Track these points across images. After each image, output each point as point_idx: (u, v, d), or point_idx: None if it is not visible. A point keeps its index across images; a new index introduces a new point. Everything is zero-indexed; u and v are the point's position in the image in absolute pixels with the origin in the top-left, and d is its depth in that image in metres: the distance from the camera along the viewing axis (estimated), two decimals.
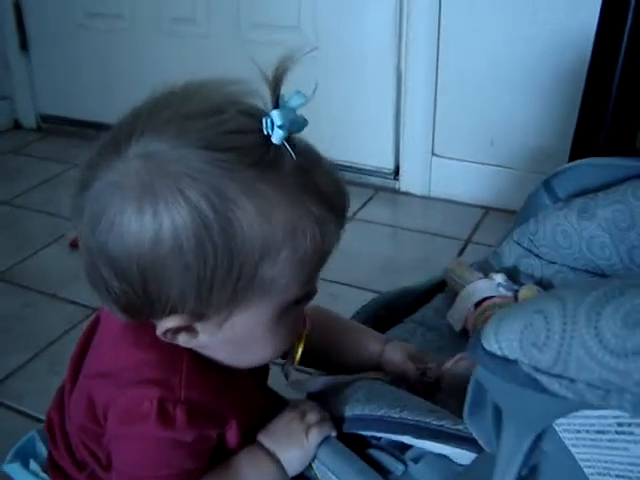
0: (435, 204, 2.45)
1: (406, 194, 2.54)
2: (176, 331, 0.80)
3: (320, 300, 1.88)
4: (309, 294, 0.85)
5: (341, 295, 1.87)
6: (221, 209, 0.71)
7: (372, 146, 2.56)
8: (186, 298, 0.75)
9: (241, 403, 0.89)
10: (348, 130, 2.56)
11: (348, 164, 2.61)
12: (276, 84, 0.75)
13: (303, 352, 0.97)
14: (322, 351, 1.06)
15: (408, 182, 2.53)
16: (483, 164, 2.34)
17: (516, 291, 1.23)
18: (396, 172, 2.56)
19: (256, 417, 0.93)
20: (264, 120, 0.73)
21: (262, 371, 1.00)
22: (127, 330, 0.85)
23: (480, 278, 1.28)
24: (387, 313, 1.31)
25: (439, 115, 2.39)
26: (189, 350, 0.84)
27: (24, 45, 3.08)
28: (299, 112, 0.78)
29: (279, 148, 0.74)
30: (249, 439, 0.92)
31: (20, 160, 2.87)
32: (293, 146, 0.75)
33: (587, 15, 1.91)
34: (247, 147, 0.73)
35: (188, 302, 0.75)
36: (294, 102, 0.76)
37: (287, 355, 0.97)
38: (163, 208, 0.71)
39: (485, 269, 1.34)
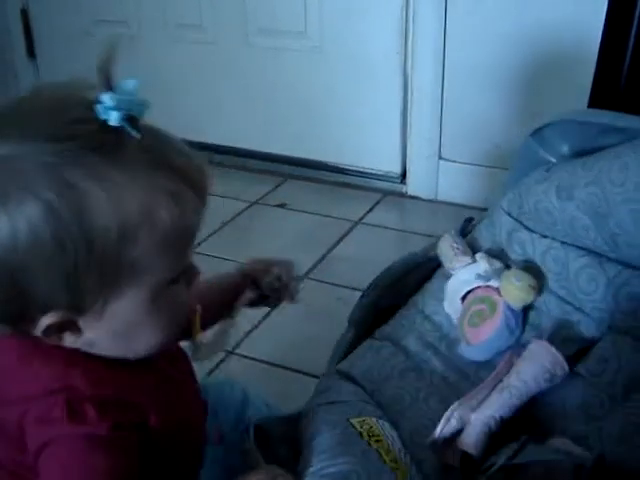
0: (442, 208, 2.45)
1: (413, 198, 2.54)
2: (60, 329, 0.79)
3: (328, 304, 1.91)
4: (186, 273, 0.85)
5: (349, 299, 1.87)
6: (70, 199, 0.71)
7: (379, 150, 2.56)
8: (56, 292, 0.75)
9: (157, 390, 0.88)
10: (355, 135, 2.57)
11: (355, 168, 2.61)
12: (104, 71, 0.75)
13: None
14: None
15: (415, 186, 2.53)
16: (490, 167, 2.34)
17: (497, 288, 1.23)
18: (403, 176, 2.56)
19: (183, 408, 0.93)
20: (96, 106, 0.73)
21: (179, 360, 0.99)
22: (21, 357, 0.85)
23: (464, 265, 1.26)
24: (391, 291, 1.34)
25: (446, 119, 2.39)
26: (83, 356, 0.83)
27: (31, 52, 3.09)
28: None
29: (120, 131, 0.73)
30: (185, 432, 0.92)
31: None
32: (137, 128, 0.75)
33: (594, 10, 1.92)
34: (87, 134, 0.73)
35: (59, 295, 0.75)
36: (127, 85, 0.76)
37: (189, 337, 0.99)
38: (14, 208, 0.71)
39: (475, 245, 1.33)
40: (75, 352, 0.83)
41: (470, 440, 1.00)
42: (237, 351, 1.77)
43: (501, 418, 1.02)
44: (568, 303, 1.14)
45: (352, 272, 1.98)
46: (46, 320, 0.77)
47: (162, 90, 2.55)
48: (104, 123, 0.73)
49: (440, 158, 2.45)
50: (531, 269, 1.21)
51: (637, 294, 1.05)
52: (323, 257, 2.17)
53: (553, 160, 1.26)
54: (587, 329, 1.12)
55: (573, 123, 1.23)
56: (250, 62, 2.62)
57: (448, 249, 1.31)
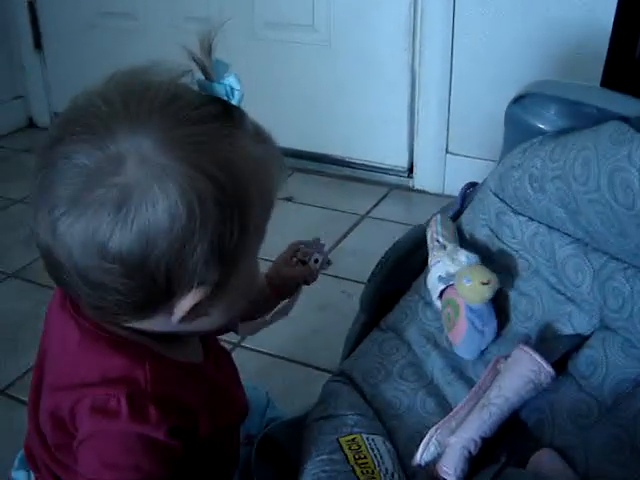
0: (449, 201, 2.45)
1: (420, 192, 2.54)
2: (191, 310, 0.80)
3: (334, 297, 1.91)
4: None
5: (355, 293, 1.87)
6: (228, 172, 0.75)
7: (386, 144, 2.56)
8: (211, 267, 0.76)
9: (208, 396, 0.89)
10: (362, 129, 2.57)
11: (362, 162, 2.62)
12: (209, 57, 0.79)
13: None
14: None
15: (422, 180, 2.53)
16: (497, 161, 2.33)
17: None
18: (410, 170, 2.56)
19: (226, 413, 0.94)
20: (223, 87, 0.78)
21: (224, 364, 1.01)
22: (84, 340, 0.84)
23: (436, 262, 1.25)
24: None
25: (453, 113, 2.39)
26: (147, 348, 0.84)
27: (38, 44, 3.10)
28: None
29: (238, 109, 0.80)
30: (226, 436, 0.94)
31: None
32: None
33: (602, 8, 1.92)
34: (219, 114, 0.77)
35: (212, 271, 0.76)
36: (224, 68, 0.80)
37: None
38: (180, 189, 0.72)
39: (466, 228, 1.31)
40: (141, 345, 0.84)
41: (449, 466, 0.98)
42: (243, 344, 1.77)
43: (481, 439, 0.99)
44: (559, 292, 1.11)
45: (359, 265, 1.96)
46: (188, 301, 0.78)
47: None
48: (226, 103, 0.78)
49: (447, 152, 2.45)
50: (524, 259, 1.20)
51: (621, 291, 1.01)
52: (330, 250, 2.16)
53: (542, 126, 1.22)
54: (579, 323, 1.08)
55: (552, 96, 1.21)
56: (257, 55, 2.62)
57: (429, 239, 1.29)
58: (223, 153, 0.75)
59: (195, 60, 0.78)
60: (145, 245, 0.72)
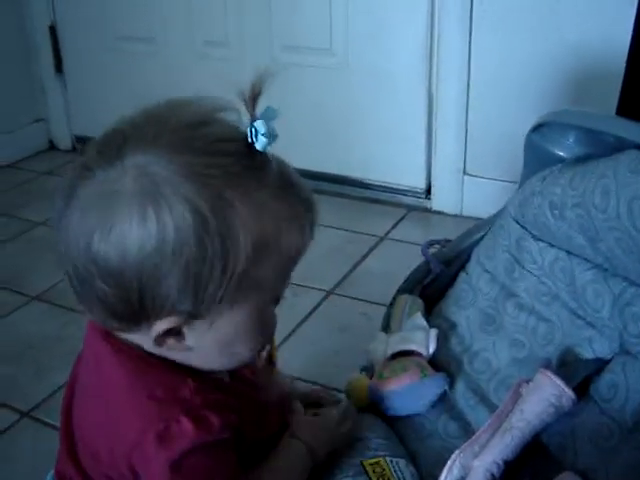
0: (467, 223, 2.43)
1: (438, 213, 2.55)
2: (165, 335, 0.81)
3: (352, 319, 1.92)
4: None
5: (373, 314, 1.88)
6: (219, 211, 0.75)
7: (404, 166, 2.57)
8: (183, 296, 0.77)
9: (242, 410, 0.89)
10: (380, 150, 2.58)
11: (380, 184, 2.63)
12: (254, 99, 0.80)
13: None
14: None
15: (440, 201, 2.54)
16: (515, 183, 2.33)
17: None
18: (428, 191, 2.57)
19: (265, 427, 0.97)
20: (249, 129, 0.78)
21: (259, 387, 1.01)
22: (120, 363, 0.86)
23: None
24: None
25: (470, 134, 2.40)
26: (188, 371, 0.85)
27: (59, 68, 3.13)
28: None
29: (263, 155, 0.79)
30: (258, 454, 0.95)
31: (55, 181, 2.90)
32: (274, 157, 0.82)
33: (617, 30, 1.93)
34: (236, 153, 0.78)
35: (185, 300, 0.77)
36: (270, 113, 0.81)
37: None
38: (166, 212, 0.74)
39: (486, 253, 1.32)
40: (169, 363, 0.85)
41: None
42: None
43: (504, 462, 1.00)
44: (579, 317, 1.12)
45: (378, 287, 1.98)
46: (162, 325, 0.79)
47: None
48: (251, 145, 0.78)
49: (465, 174, 2.46)
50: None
51: None
52: (349, 272, 2.18)
53: (561, 153, 1.23)
54: (600, 348, 1.09)
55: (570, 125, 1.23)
56: (275, 78, 2.63)
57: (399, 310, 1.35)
58: (220, 190, 0.75)
59: (243, 99, 0.80)
60: (120, 256, 0.75)
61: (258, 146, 0.78)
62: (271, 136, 0.80)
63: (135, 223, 0.74)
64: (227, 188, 0.75)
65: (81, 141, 3.16)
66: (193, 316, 0.79)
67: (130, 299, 0.77)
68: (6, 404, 1.69)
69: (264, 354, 0.98)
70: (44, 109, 3.21)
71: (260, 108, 0.80)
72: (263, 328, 0.87)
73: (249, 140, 0.78)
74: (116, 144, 0.77)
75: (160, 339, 0.81)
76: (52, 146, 3.25)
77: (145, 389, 0.84)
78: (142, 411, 0.83)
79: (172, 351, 0.84)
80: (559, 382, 1.02)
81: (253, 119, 0.79)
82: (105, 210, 0.75)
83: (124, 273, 0.76)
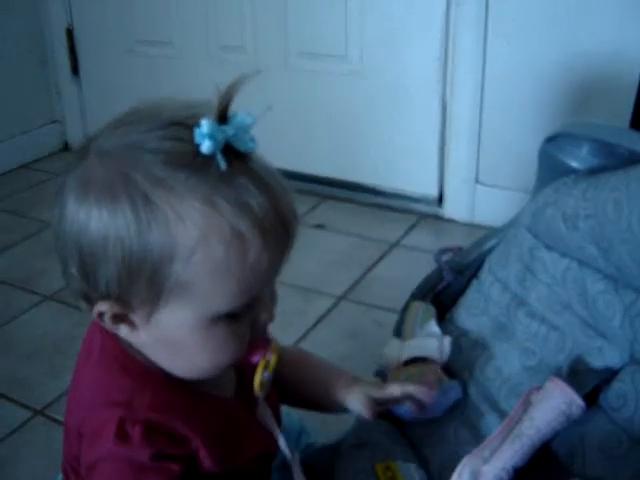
0: (478, 231, 2.44)
1: (450, 221, 2.55)
2: (115, 319, 0.83)
3: (364, 326, 1.93)
4: (251, 312, 0.85)
5: (385, 321, 1.89)
6: (139, 208, 0.76)
7: (416, 173, 2.58)
8: (110, 283, 0.79)
9: (220, 431, 0.90)
10: (393, 157, 2.59)
11: (392, 191, 2.64)
12: (222, 102, 0.78)
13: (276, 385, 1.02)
14: (290, 387, 1.11)
15: (452, 209, 2.55)
16: (527, 192, 2.34)
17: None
18: (440, 199, 2.58)
19: (245, 449, 0.94)
20: (195, 129, 0.75)
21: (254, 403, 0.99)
22: (100, 361, 0.89)
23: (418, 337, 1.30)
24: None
25: (483, 144, 2.41)
26: (158, 375, 0.87)
27: (75, 70, 3.16)
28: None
29: (210, 158, 0.76)
30: (240, 467, 0.94)
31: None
32: (243, 163, 0.79)
33: (632, 40, 1.94)
34: (177, 152, 0.77)
35: (112, 287, 0.79)
36: (240, 119, 0.78)
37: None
38: (93, 201, 0.78)
39: (499, 262, 1.33)
40: (150, 372, 0.87)
41: None
42: None
43: (514, 468, 1.00)
44: (590, 327, 1.12)
45: (389, 294, 1.99)
46: (100, 306, 0.82)
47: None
48: (197, 147, 0.76)
49: (477, 182, 2.47)
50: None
51: None
52: (360, 278, 2.19)
53: (574, 164, 1.24)
54: (610, 357, 1.09)
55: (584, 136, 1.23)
56: (290, 84, 2.66)
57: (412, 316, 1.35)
58: (147, 191, 0.76)
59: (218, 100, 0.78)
60: (75, 231, 0.79)
61: (203, 148, 0.75)
62: (239, 143, 0.78)
63: (73, 207, 0.79)
64: (152, 186, 0.76)
65: None
66: (126, 305, 0.81)
67: (79, 276, 0.81)
68: (19, 402, 1.71)
69: (259, 377, 0.93)
70: (60, 111, 3.23)
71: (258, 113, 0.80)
72: (220, 342, 0.84)
73: (196, 142, 0.75)
74: (92, 138, 0.82)
75: (106, 322, 0.83)
76: (67, 147, 3.27)
77: (105, 389, 0.87)
78: (94, 409, 0.86)
79: (134, 343, 0.86)
80: (569, 390, 1.03)
81: (218, 123, 0.77)
82: (66, 192, 0.81)
83: (71, 251, 0.80)
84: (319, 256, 2.31)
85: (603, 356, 1.10)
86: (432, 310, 1.36)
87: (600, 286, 1.11)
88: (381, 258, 2.31)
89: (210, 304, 0.81)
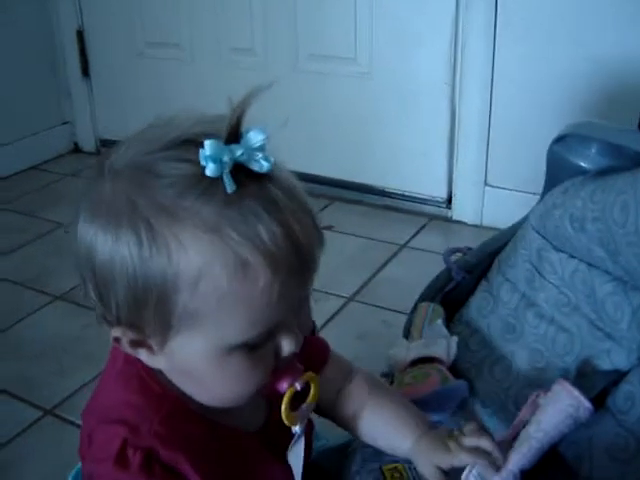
0: (487, 233, 2.44)
1: (458, 223, 2.55)
2: (134, 344, 0.80)
3: (372, 326, 1.93)
4: (275, 341, 0.81)
5: (393, 322, 1.90)
6: (144, 235, 0.73)
7: (425, 175, 2.58)
8: (121, 309, 0.77)
9: (224, 472, 0.87)
10: (402, 159, 2.59)
11: (402, 192, 2.64)
12: (232, 118, 0.73)
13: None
14: (350, 423, 1.06)
15: (461, 211, 2.55)
16: (535, 194, 2.34)
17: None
18: (449, 201, 2.58)
19: None
20: (200, 151, 0.71)
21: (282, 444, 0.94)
22: (121, 373, 0.87)
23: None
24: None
25: (492, 145, 2.41)
26: (176, 400, 0.84)
27: (85, 71, 3.17)
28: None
29: (217, 180, 0.71)
30: None
31: (79, 182, 2.94)
32: (258, 184, 0.74)
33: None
34: (183, 175, 0.73)
35: (123, 313, 0.77)
36: (250, 138, 0.74)
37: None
38: (100, 227, 0.75)
39: (507, 265, 1.32)
40: (168, 396, 0.84)
41: None
42: None
43: (521, 472, 1.00)
44: (599, 329, 1.12)
45: (398, 295, 1.99)
46: (115, 332, 0.80)
47: (213, 113, 2.59)
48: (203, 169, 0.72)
49: (486, 184, 2.47)
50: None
51: None
52: (369, 280, 2.19)
53: (583, 165, 1.24)
54: (618, 359, 1.09)
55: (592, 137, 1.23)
56: (300, 86, 2.66)
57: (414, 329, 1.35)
58: (149, 216, 0.73)
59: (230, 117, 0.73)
60: (85, 252, 0.77)
61: (208, 172, 0.71)
62: (253, 164, 0.73)
63: (82, 229, 0.78)
64: (153, 212, 0.73)
65: (106, 144, 3.19)
66: (139, 332, 0.79)
67: (96, 297, 0.79)
68: (29, 401, 1.72)
69: (286, 407, 0.86)
70: (70, 112, 3.25)
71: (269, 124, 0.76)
72: (238, 372, 0.81)
73: (201, 164, 0.71)
74: (102, 159, 0.80)
75: (129, 347, 0.81)
76: (77, 149, 3.29)
77: (119, 405, 0.85)
78: (103, 423, 0.84)
79: (155, 367, 0.83)
80: (576, 393, 1.03)
81: (225, 142, 0.73)
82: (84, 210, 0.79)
83: (85, 272, 0.79)
84: (328, 257, 2.28)
85: (611, 358, 1.10)
86: (440, 310, 1.37)
87: (609, 288, 1.11)
88: (390, 259, 2.32)
89: (223, 334, 0.77)
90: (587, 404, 1.02)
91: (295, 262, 0.75)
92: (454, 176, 2.54)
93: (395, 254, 2.35)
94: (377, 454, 1.10)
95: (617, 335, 1.09)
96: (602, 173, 1.17)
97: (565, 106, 2.22)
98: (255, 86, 0.75)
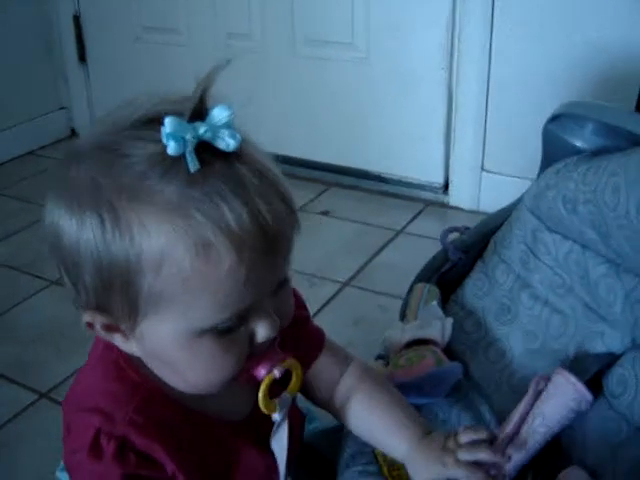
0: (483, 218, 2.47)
1: (455, 208, 2.55)
2: (108, 329, 0.79)
3: (369, 312, 1.94)
4: (248, 326, 0.80)
5: (389, 307, 1.90)
6: (106, 217, 0.72)
7: (422, 160, 2.58)
8: (89, 292, 0.76)
9: (201, 460, 0.87)
10: (398, 144, 2.59)
11: (398, 178, 2.64)
12: (196, 97, 0.72)
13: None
14: (345, 417, 1.05)
15: (458, 197, 2.55)
16: (532, 180, 2.35)
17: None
18: (446, 187, 2.58)
19: (238, 475, 0.92)
20: (162, 129, 0.70)
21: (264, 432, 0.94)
22: (100, 359, 0.87)
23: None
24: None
25: (489, 131, 2.41)
26: (153, 388, 0.84)
27: (82, 57, 3.16)
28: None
29: (178, 159, 0.70)
30: None
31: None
32: (225, 162, 0.73)
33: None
34: (146, 155, 0.71)
35: (91, 296, 0.76)
36: (214, 115, 0.72)
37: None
38: (64, 209, 0.75)
39: (502, 246, 1.32)
40: (145, 383, 0.84)
41: None
42: None
43: (522, 464, 1.00)
44: (593, 311, 1.12)
45: (394, 280, 1.99)
46: (86, 316, 0.79)
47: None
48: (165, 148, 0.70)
49: (483, 170, 2.47)
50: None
51: None
52: (365, 265, 2.19)
53: (578, 144, 1.23)
54: (612, 342, 1.09)
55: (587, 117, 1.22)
56: (297, 71, 2.66)
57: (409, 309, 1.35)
58: (112, 198, 0.72)
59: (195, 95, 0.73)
60: (53, 236, 0.77)
61: (169, 150, 0.69)
62: (218, 141, 0.72)
63: (47, 210, 0.77)
64: (116, 193, 0.72)
65: None
66: (110, 316, 0.77)
67: (67, 281, 0.79)
68: (25, 385, 1.72)
69: (263, 394, 0.85)
70: (67, 97, 3.24)
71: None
72: (210, 359, 0.79)
73: (163, 142, 0.70)
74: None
75: (103, 332, 0.80)
76: (74, 134, 3.28)
77: (95, 393, 0.85)
78: (80, 412, 0.85)
79: (130, 353, 0.83)
80: (579, 386, 1.02)
81: (189, 119, 0.71)
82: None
83: (58, 253, 0.78)
84: (324, 243, 2.31)
85: (605, 341, 1.10)
86: (436, 291, 1.37)
87: (602, 270, 1.11)
88: (386, 245, 2.32)
89: (190, 318, 0.75)
90: (589, 397, 1.02)
91: (262, 244, 0.73)
92: (451, 162, 2.54)
93: (391, 239, 2.35)
94: None
95: (611, 318, 1.09)
96: (595, 154, 1.17)
97: (562, 92, 2.21)
98: (218, 63, 0.74)
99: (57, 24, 3.13)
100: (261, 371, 0.84)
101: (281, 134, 2.70)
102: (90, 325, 0.79)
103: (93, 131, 0.78)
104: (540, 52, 2.21)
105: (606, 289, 1.10)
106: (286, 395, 0.89)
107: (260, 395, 0.85)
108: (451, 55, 2.39)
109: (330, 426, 1.21)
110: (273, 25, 2.65)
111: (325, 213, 2.52)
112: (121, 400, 0.83)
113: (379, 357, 1.31)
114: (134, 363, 0.84)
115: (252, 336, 0.80)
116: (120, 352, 0.84)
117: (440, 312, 1.29)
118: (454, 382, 1.19)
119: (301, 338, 0.98)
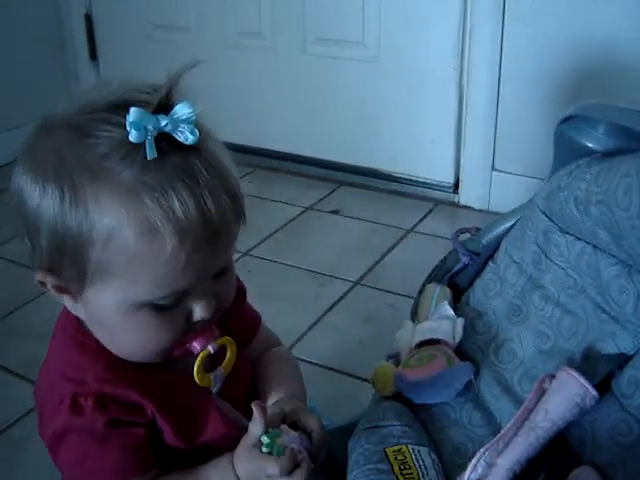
0: (494, 218, 2.46)
1: (465, 208, 2.56)
2: (58, 290, 0.87)
3: (378, 310, 1.94)
4: (186, 305, 0.87)
5: (399, 305, 1.91)
6: (66, 190, 0.79)
7: (433, 160, 2.59)
8: (43, 254, 0.84)
9: (173, 404, 0.93)
10: (409, 144, 2.60)
11: (409, 177, 2.64)
12: (163, 91, 0.80)
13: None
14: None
15: (468, 196, 2.55)
16: (543, 180, 2.34)
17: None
18: (456, 186, 2.58)
19: (207, 428, 0.96)
20: (126, 116, 0.76)
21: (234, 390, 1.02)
22: (62, 329, 0.95)
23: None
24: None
25: (500, 131, 2.41)
26: (110, 354, 0.90)
27: (93, 54, 3.17)
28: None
29: (139, 146, 0.77)
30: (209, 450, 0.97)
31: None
32: (182, 155, 0.79)
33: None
34: (110, 138, 0.78)
35: (45, 259, 0.84)
36: (177, 110, 0.79)
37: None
38: (29, 177, 0.82)
39: (514, 247, 1.32)
40: (105, 349, 0.90)
41: None
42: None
43: (527, 460, 1.00)
44: (604, 312, 1.11)
45: (404, 279, 2.00)
46: (37, 275, 0.86)
47: (220, 96, 2.60)
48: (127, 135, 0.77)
49: (493, 169, 2.47)
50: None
51: None
52: (376, 264, 2.20)
53: (590, 145, 1.23)
54: (623, 343, 1.08)
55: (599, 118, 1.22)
56: (308, 70, 2.66)
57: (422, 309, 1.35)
58: (73, 174, 0.79)
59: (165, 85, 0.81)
60: (18, 200, 0.84)
61: (131, 137, 0.76)
62: (179, 133, 0.78)
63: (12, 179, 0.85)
64: (76, 169, 0.79)
65: None
66: (57, 276, 0.85)
67: (29, 242, 0.86)
68: (34, 381, 1.72)
69: (198, 367, 0.92)
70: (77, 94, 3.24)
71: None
72: (145, 330, 0.86)
73: (126, 130, 0.77)
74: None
75: (54, 292, 0.87)
76: None
77: (63, 366, 0.91)
78: (53, 386, 0.91)
79: (74, 311, 0.89)
80: (583, 381, 1.02)
81: (154, 112, 0.78)
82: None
83: (22, 214, 0.85)
84: (334, 241, 2.32)
85: (616, 341, 1.09)
86: (447, 292, 1.36)
87: (614, 271, 1.10)
88: (396, 244, 2.32)
89: (130, 291, 0.83)
90: (594, 392, 1.02)
91: (205, 234, 0.80)
92: (461, 161, 2.54)
93: (402, 239, 2.36)
94: (381, 437, 1.11)
95: (622, 319, 1.09)
96: (607, 155, 1.17)
97: (575, 91, 2.21)
98: (190, 60, 0.83)
99: (68, 22, 3.15)
100: (196, 346, 0.91)
101: (292, 132, 2.71)
102: (43, 284, 0.87)
103: (67, 108, 0.84)
104: (552, 50, 2.22)
105: (618, 290, 1.09)
106: (220, 370, 0.96)
107: (195, 369, 0.91)
108: (462, 55, 2.39)
109: (340, 425, 1.21)
110: (284, 23, 2.66)
111: (335, 212, 2.52)
112: (87, 367, 0.90)
113: (390, 357, 1.31)
114: (89, 332, 0.92)
115: (189, 315, 0.88)
116: (76, 324, 0.92)
117: (451, 312, 1.29)
118: (465, 382, 1.19)
119: (240, 319, 1.07)
